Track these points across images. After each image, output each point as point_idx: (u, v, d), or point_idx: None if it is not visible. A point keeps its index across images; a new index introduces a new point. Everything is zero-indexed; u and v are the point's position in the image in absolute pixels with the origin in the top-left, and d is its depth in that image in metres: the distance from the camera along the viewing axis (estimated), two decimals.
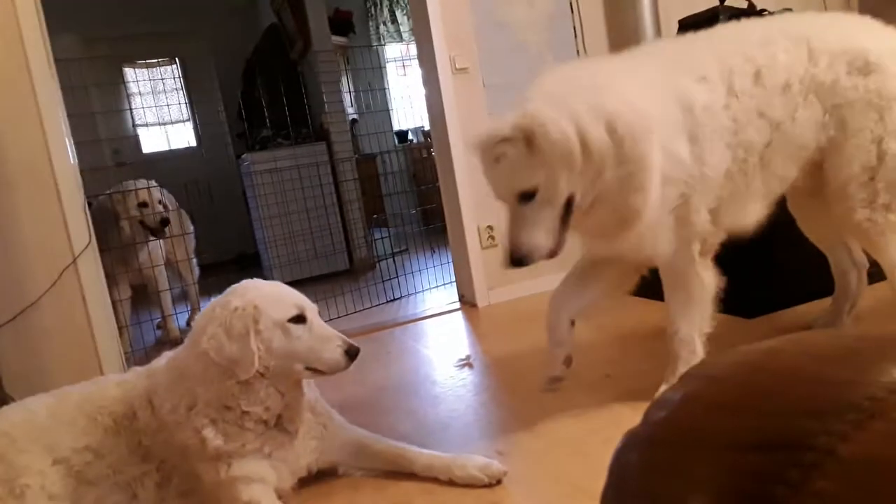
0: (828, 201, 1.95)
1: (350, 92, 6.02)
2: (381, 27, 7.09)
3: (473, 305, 3.59)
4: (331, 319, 3.71)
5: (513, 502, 1.59)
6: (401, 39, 7.11)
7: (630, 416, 1.94)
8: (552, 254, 1.72)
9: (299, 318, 1.63)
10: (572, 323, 2.03)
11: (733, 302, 2.71)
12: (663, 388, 1.93)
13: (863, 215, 1.87)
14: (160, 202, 3.77)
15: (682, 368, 1.93)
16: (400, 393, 2.49)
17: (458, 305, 3.68)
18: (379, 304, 4.02)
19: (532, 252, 1.69)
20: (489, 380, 2.49)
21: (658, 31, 3.45)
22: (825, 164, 1.91)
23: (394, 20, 7.11)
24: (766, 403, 0.32)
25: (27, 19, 2.74)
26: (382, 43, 7.00)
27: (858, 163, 1.84)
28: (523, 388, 2.21)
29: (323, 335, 1.63)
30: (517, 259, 1.70)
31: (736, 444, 0.30)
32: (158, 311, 3.98)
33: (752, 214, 1.96)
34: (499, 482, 1.66)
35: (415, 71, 6.19)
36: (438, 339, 3.25)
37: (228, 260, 6.49)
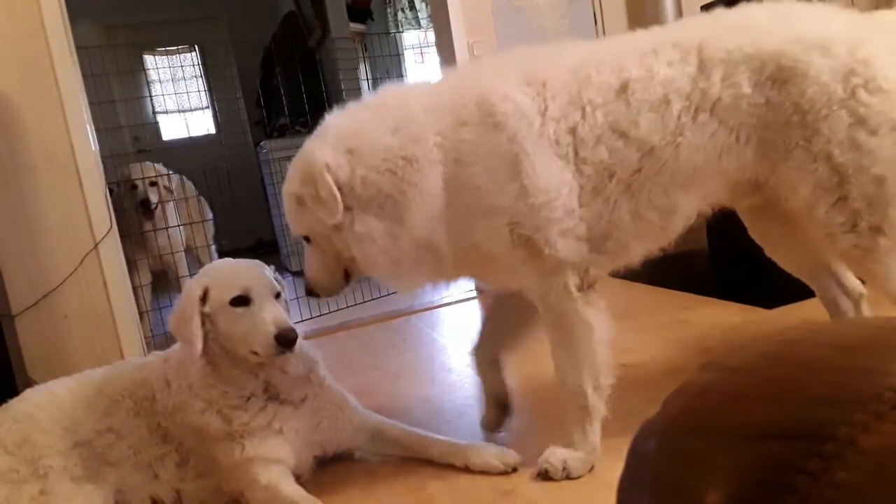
0: (803, 227, 1.66)
1: (368, 79, 6.00)
2: (400, 14, 7.05)
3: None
4: (347, 307, 3.73)
5: (528, 490, 1.59)
6: (419, 26, 7.07)
7: (646, 406, 1.92)
8: (336, 291, 1.73)
9: (242, 300, 1.61)
10: (496, 361, 1.90)
11: (752, 292, 2.70)
12: (556, 450, 1.62)
13: (848, 242, 1.55)
14: (152, 184, 3.72)
15: (576, 429, 1.63)
16: (416, 380, 2.51)
17: (474, 294, 3.68)
18: (395, 293, 4.03)
19: (316, 288, 1.71)
20: (505, 369, 2.49)
21: (680, 17, 3.41)
22: (770, 188, 1.60)
23: (412, 6, 7.06)
24: (786, 393, 0.31)
25: (48, 7, 2.76)
26: (401, 30, 6.97)
27: (808, 186, 1.52)
28: (538, 376, 2.20)
29: (259, 317, 1.58)
30: (308, 290, 1.73)
31: (755, 433, 0.30)
32: (178, 296, 4.02)
33: (630, 252, 1.68)
34: (514, 470, 1.66)
35: (433, 58, 6.16)
36: (454, 327, 3.25)
37: (247, 247, 6.53)
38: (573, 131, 1.54)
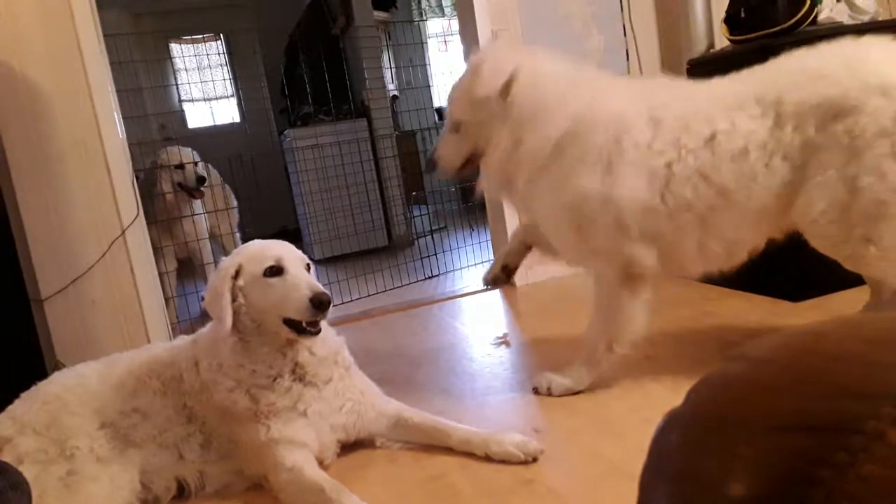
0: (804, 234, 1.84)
1: (391, 68, 6.00)
2: (424, 2, 7.03)
3: (511, 284, 3.58)
4: (369, 295, 3.75)
5: (549, 480, 1.59)
6: (443, 14, 7.05)
7: (669, 398, 1.92)
8: (450, 173, 2.14)
9: (276, 270, 1.66)
10: (528, 248, 2.29)
11: (778, 285, 2.67)
12: (547, 373, 2.09)
13: (845, 251, 1.76)
14: (195, 163, 3.80)
15: (578, 366, 2.04)
16: (437, 369, 2.51)
17: None
18: (417, 281, 4.04)
19: (438, 161, 2.12)
20: (526, 358, 2.50)
21: (708, 5, 3.35)
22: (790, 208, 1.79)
23: None
24: (813, 385, 0.31)
25: None
26: (424, 18, 6.95)
27: (825, 202, 1.71)
28: (561, 367, 2.20)
29: (293, 283, 1.64)
30: (428, 161, 2.19)
31: (782, 425, 0.30)
32: (203, 283, 4.07)
33: (685, 270, 1.99)
34: (535, 459, 1.67)
35: (456, 46, 6.13)
36: (476, 316, 3.25)
37: (270, 235, 6.55)
38: (669, 166, 1.81)
